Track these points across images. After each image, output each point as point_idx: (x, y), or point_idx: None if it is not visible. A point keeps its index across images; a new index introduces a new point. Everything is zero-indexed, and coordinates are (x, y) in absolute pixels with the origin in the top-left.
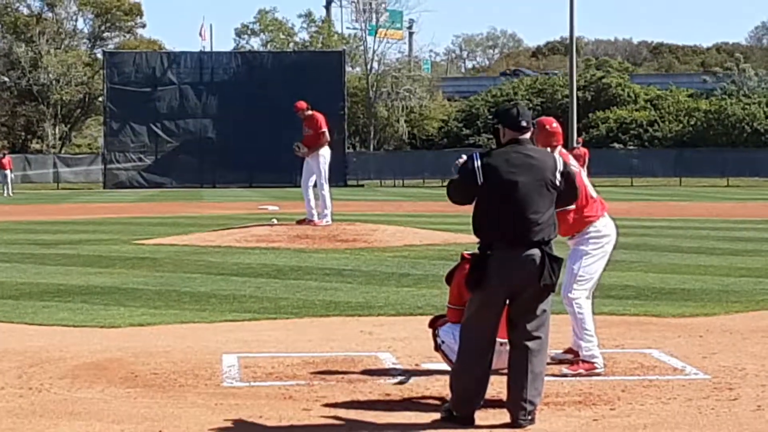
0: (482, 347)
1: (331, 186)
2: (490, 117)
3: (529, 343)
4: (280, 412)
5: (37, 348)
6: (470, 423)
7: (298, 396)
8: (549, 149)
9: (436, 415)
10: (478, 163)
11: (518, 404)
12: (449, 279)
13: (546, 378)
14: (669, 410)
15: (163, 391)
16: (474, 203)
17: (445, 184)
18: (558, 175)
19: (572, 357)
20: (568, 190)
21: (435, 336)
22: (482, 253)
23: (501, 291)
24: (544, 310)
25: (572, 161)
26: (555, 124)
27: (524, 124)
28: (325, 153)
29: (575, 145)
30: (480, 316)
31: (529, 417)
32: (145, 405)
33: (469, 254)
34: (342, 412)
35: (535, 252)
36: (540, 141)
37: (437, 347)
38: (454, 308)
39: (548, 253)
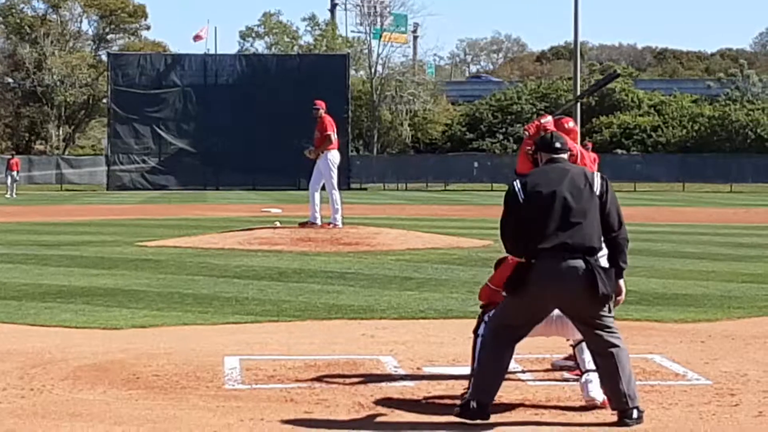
0: (508, 342)
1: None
2: (493, 120)
3: (612, 350)
4: (282, 415)
5: (39, 349)
6: (485, 415)
7: (299, 399)
8: None
9: (438, 419)
10: (517, 185)
11: (622, 405)
12: (498, 264)
13: (548, 383)
14: (670, 416)
15: (165, 393)
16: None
17: (447, 187)
18: (597, 185)
19: (573, 363)
20: (611, 203)
21: (481, 320)
22: (527, 262)
23: (541, 300)
24: (607, 316)
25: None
26: (571, 124)
27: (558, 145)
28: (332, 157)
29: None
30: (514, 319)
31: (635, 416)
32: (146, 407)
33: None
34: (344, 416)
35: (578, 263)
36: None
37: (475, 330)
38: (492, 288)
39: (595, 264)
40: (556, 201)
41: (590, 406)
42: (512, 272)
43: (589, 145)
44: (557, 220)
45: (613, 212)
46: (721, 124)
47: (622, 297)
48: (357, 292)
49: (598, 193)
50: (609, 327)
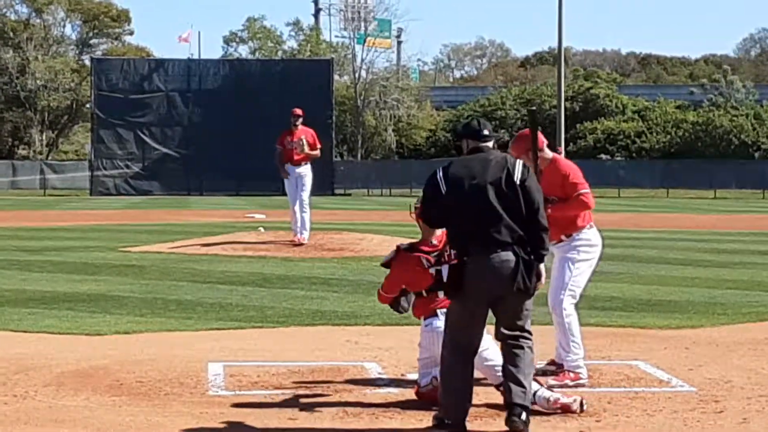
0: (464, 354)
1: (318, 194)
2: (451, 137)
3: (517, 342)
4: (266, 421)
5: (22, 355)
6: (462, 430)
7: (283, 405)
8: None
9: (421, 425)
10: (440, 174)
11: (513, 404)
12: (386, 265)
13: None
14: (655, 422)
15: (149, 400)
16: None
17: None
18: (518, 173)
19: (555, 369)
20: (532, 189)
21: (399, 300)
22: (459, 261)
23: (480, 296)
24: (527, 310)
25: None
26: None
27: (486, 132)
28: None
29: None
30: (461, 323)
31: (524, 418)
32: (130, 413)
33: (404, 246)
34: (328, 422)
35: (509, 255)
36: (517, 149)
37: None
38: (385, 295)
39: (522, 257)
40: (480, 195)
41: (566, 410)
42: (448, 275)
43: (560, 150)
44: (484, 214)
45: (534, 197)
46: (704, 130)
47: (542, 282)
48: (341, 298)
49: (519, 179)
50: (523, 323)
